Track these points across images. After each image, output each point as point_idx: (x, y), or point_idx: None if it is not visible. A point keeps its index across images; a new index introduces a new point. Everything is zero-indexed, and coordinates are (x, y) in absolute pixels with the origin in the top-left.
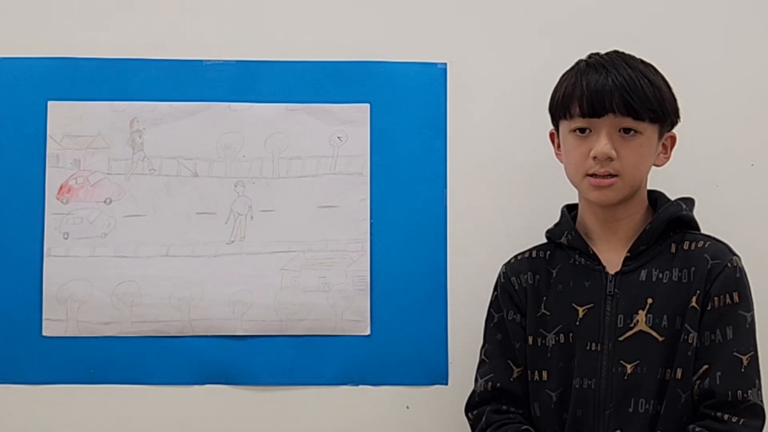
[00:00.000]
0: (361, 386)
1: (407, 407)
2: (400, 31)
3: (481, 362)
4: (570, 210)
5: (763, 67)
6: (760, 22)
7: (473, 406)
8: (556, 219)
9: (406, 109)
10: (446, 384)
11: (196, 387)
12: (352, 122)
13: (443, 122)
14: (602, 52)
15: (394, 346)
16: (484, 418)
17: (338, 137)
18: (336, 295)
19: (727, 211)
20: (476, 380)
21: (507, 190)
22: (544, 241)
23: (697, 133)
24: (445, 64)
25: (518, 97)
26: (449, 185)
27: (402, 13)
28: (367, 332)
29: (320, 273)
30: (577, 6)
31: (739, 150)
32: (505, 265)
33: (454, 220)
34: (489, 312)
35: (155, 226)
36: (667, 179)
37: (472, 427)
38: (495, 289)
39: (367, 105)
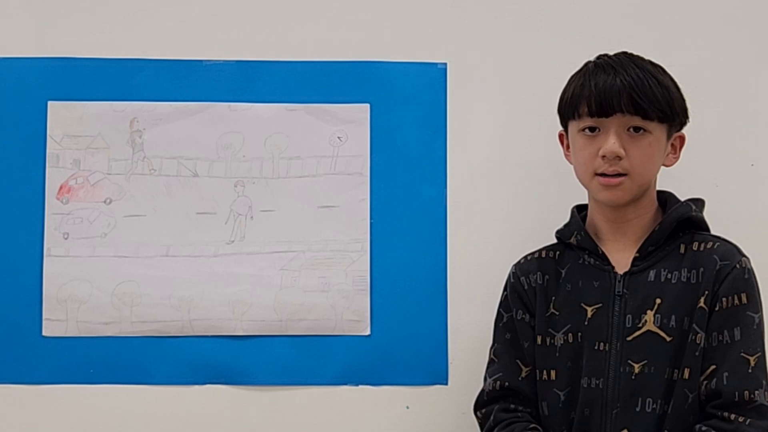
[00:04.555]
0: (361, 386)
1: (407, 407)
2: (400, 31)
3: (490, 361)
4: (579, 210)
5: (763, 67)
6: (760, 23)
7: (482, 404)
8: (557, 218)
9: (406, 109)
10: (446, 384)
11: (196, 387)
12: (352, 122)
13: (443, 122)
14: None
15: (394, 346)
16: (492, 417)
17: (338, 137)
18: (336, 295)
19: (727, 211)
20: (485, 379)
21: (507, 189)
22: (548, 240)
23: (697, 133)
24: (445, 64)
25: (518, 97)
26: (449, 185)
27: (402, 13)
28: (367, 332)
29: (320, 273)
30: (577, 6)
31: (739, 150)
32: (515, 265)
33: (454, 220)
34: (498, 312)
35: (155, 226)
36: (667, 179)
37: (481, 425)
38: (504, 289)
39: (367, 105)
